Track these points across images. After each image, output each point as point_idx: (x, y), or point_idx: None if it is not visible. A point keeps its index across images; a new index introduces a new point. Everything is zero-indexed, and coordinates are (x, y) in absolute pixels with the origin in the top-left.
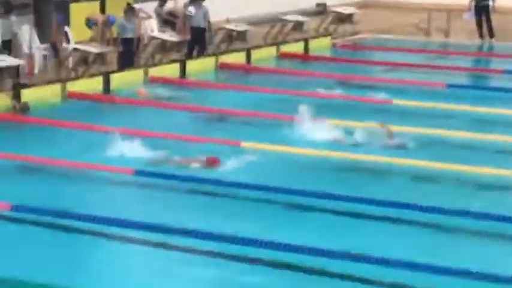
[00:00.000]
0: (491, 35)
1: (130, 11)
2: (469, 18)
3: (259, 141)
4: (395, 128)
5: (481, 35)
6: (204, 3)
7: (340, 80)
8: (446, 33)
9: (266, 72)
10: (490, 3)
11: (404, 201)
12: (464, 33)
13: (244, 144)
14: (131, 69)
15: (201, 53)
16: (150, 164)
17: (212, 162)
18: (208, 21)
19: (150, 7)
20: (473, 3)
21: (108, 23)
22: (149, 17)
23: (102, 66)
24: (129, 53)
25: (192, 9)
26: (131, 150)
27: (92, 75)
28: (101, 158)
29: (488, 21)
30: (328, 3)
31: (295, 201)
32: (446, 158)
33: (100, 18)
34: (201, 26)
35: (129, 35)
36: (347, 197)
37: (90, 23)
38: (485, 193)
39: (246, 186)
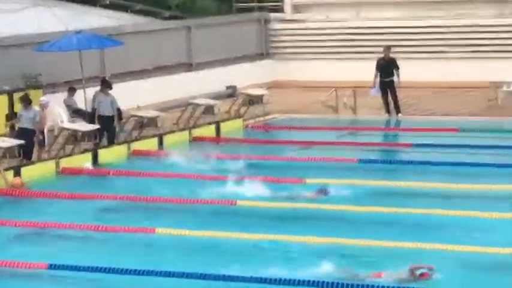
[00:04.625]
0: (398, 110)
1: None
2: (375, 94)
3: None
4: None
5: (387, 111)
6: (110, 91)
7: (254, 160)
8: (354, 110)
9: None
10: (395, 79)
11: None
12: (372, 109)
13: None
14: (43, 161)
15: (112, 141)
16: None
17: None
18: (118, 109)
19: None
20: (378, 80)
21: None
22: (56, 109)
23: (12, 159)
24: (28, 144)
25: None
26: None
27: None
28: None
29: (394, 96)
30: (238, 86)
31: None
32: None
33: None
34: (109, 114)
35: (27, 125)
36: None
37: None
38: None
39: None
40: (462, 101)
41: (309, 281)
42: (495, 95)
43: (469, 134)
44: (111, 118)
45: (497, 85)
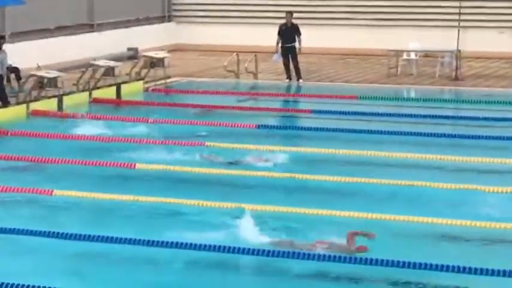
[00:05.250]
0: (299, 76)
1: None
2: (277, 60)
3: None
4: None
5: (288, 77)
6: (3, 48)
7: (154, 123)
8: (255, 75)
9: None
10: (297, 45)
11: None
12: (273, 74)
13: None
14: None
15: (4, 101)
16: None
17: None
18: (16, 68)
19: None
20: (280, 45)
21: None
22: None
23: None
24: None
25: None
26: None
27: None
28: None
29: (296, 62)
30: (139, 48)
31: None
32: None
33: None
34: None
35: None
36: None
37: None
38: None
39: None
40: (362, 68)
41: (244, 249)
42: (395, 63)
43: (368, 102)
44: (0, 77)
45: (397, 53)
